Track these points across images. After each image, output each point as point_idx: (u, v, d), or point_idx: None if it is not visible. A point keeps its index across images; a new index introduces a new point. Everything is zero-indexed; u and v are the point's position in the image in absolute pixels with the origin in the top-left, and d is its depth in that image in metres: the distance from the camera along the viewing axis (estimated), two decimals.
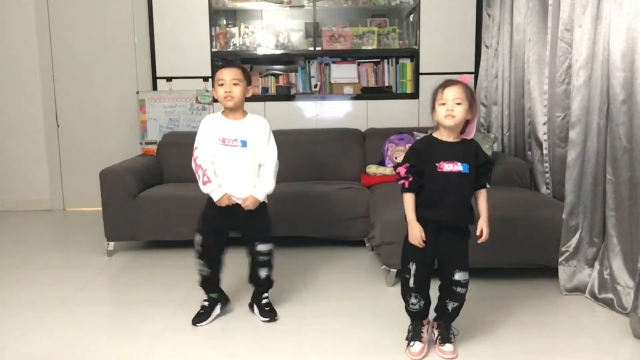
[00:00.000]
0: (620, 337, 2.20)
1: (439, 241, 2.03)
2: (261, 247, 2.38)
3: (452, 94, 1.95)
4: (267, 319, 2.38)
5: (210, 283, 2.42)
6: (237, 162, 2.32)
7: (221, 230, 2.37)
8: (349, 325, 2.35)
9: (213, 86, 2.32)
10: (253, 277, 2.45)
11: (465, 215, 2.04)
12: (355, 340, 2.22)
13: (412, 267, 2.05)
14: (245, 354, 2.13)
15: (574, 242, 2.61)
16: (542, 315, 2.43)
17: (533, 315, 2.43)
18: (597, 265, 2.57)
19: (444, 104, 1.96)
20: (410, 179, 2.00)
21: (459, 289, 2.04)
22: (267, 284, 2.45)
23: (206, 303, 2.43)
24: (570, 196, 2.60)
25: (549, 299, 2.60)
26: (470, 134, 2.06)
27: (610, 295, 2.45)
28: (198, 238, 2.36)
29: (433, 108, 2.02)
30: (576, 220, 2.60)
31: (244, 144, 2.31)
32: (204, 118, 2.40)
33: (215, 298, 2.45)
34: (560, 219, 2.63)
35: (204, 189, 2.31)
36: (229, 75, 2.28)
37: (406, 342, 2.11)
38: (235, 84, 2.28)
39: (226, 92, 2.27)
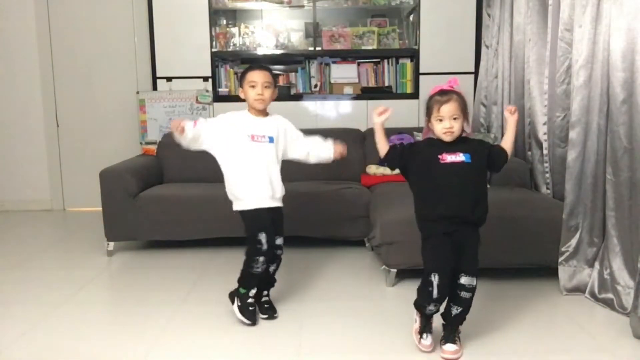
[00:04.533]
0: (620, 337, 2.20)
1: (454, 246, 1.97)
2: (279, 241, 2.41)
3: (448, 112, 1.96)
4: (266, 316, 2.41)
5: (260, 279, 2.41)
6: (266, 159, 2.34)
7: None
8: (348, 325, 2.34)
9: (241, 86, 2.38)
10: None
11: (473, 208, 1.98)
12: (355, 340, 2.22)
13: (435, 278, 1.95)
14: (246, 354, 2.13)
15: (574, 242, 2.61)
16: (542, 315, 2.43)
17: (533, 315, 2.43)
18: (597, 265, 2.56)
19: (441, 120, 1.97)
20: (394, 147, 2.05)
21: (463, 294, 1.99)
22: (270, 280, 2.48)
23: (252, 300, 2.40)
24: (570, 196, 2.60)
25: (549, 299, 2.60)
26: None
27: (610, 295, 2.45)
28: (263, 238, 2.31)
29: (428, 119, 2.03)
30: (576, 220, 2.60)
31: (271, 140, 2.36)
32: (229, 112, 2.42)
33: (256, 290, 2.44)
34: (560, 219, 2.63)
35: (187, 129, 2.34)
36: (261, 77, 2.33)
37: (417, 335, 2.08)
38: (266, 87, 2.34)
39: (258, 94, 2.33)
